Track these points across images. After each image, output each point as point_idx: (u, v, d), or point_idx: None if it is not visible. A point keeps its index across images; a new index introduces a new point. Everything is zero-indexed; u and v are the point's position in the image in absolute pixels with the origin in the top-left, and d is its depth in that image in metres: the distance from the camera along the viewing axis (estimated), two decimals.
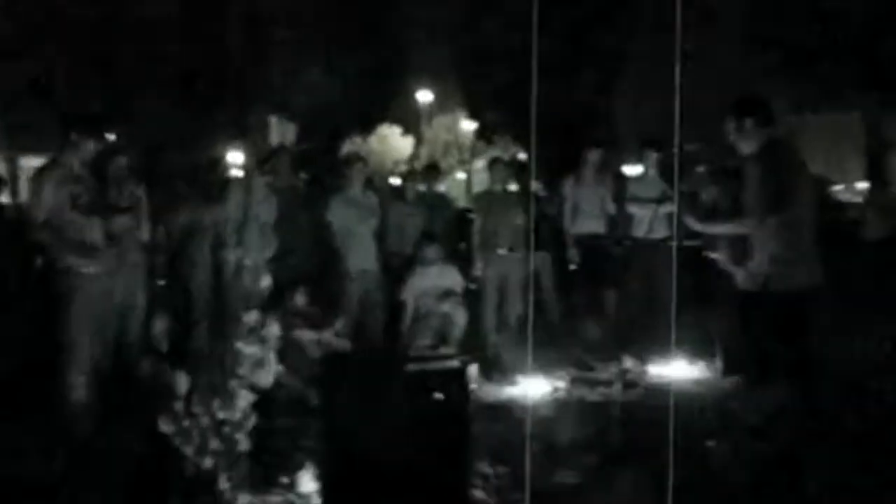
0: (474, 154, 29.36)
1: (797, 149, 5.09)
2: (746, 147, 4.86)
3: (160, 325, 3.17)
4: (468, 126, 28.25)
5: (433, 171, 9.33)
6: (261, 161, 7.41)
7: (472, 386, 3.07)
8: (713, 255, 4.91)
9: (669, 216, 7.38)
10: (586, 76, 23.46)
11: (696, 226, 5.01)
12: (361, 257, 7.45)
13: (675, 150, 5.95)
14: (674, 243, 5.89)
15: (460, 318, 7.63)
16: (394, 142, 30.59)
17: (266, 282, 3.35)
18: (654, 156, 7.84)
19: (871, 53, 21.06)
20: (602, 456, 4.75)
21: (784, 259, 4.59)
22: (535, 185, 9.82)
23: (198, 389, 3.08)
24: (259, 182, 6.86)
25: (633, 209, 7.89)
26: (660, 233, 7.02)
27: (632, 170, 12.44)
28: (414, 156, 31.05)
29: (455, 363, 3.15)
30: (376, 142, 27.99)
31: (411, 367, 3.09)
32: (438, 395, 2.94)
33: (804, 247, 4.75)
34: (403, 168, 28.93)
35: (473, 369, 3.16)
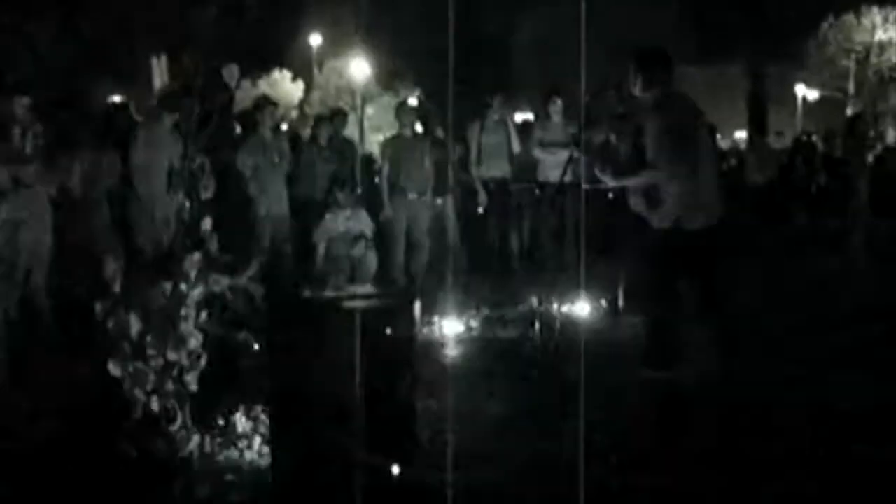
0: (367, 99, 29.07)
1: (693, 99, 5.32)
2: (647, 98, 5.07)
3: (111, 266, 3.12)
4: (361, 71, 27.91)
5: (340, 115, 9.28)
6: (163, 101, 7.20)
7: (419, 321, 3.20)
8: (631, 203, 5.12)
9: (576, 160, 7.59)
10: (488, 20, 23.54)
11: (610, 180, 5.19)
12: (272, 201, 7.42)
13: (583, 97, 6.13)
14: (585, 187, 6.11)
15: (371, 261, 7.73)
16: (284, 87, 29.97)
17: (206, 223, 3.35)
18: (558, 102, 8.04)
19: (757, 7, 21.97)
20: (520, 389, 4.97)
21: (692, 199, 4.87)
22: (439, 130, 9.90)
23: (151, 331, 3.08)
24: (167, 124, 6.76)
25: (538, 154, 8.10)
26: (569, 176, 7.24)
27: (529, 115, 12.68)
28: (305, 101, 30.51)
29: (401, 300, 3.25)
30: (267, 86, 27.32)
31: (358, 304, 3.17)
32: (388, 331, 3.04)
33: (709, 186, 5.05)
34: (294, 113, 28.44)
35: (418, 306, 3.27)
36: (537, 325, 5.44)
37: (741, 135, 28.08)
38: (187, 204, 3.28)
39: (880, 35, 31.37)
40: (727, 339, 4.95)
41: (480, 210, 8.38)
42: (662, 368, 5.06)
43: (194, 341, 3.20)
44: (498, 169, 8.37)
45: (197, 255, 3.28)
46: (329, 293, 3.43)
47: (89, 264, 6.38)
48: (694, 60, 23.33)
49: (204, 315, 3.36)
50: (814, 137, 19.17)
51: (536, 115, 11.19)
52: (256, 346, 5.64)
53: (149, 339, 3.09)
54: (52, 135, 6.01)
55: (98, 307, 3.10)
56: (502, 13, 24.28)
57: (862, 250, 9.56)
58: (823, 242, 10.21)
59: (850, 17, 31.14)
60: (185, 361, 3.18)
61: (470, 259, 8.41)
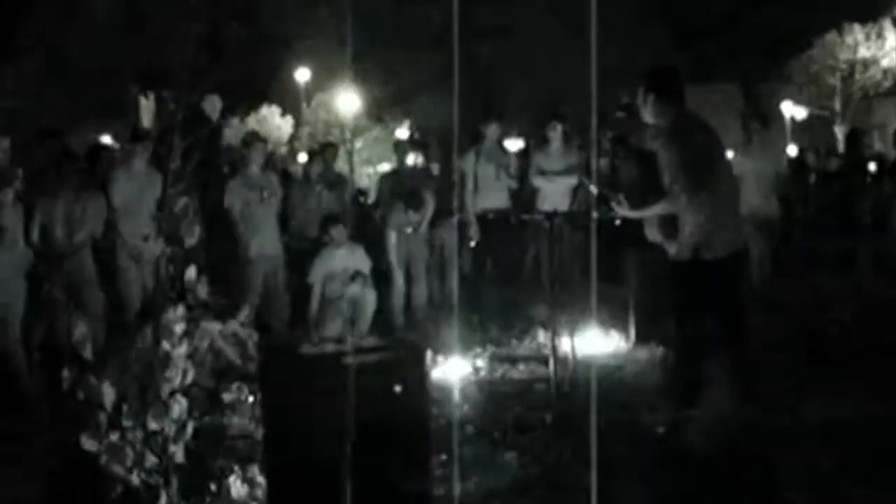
0: (356, 133, 28.97)
1: (707, 120, 5.00)
2: (659, 121, 4.75)
3: (81, 329, 2.77)
4: (349, 104, 27.78)
5: (331, 149, 8.99)
6: (138, 138, 6.91)
7: (431, 374, 2.86)
8: (647, 233, 4.81)
9: (576, 189, 7.35)
10: (477, 49, 23.44)
11: (627, 211, 4.86)
12: (264, 241, 7.11)
13: (594, 123, 5.86)
14: (595, 215, 5.81)
15: (370, 300, 7.38)
16: (273, 123, 29.79)
17: (191, 273, 3.02)
18: (559, 127, 7.76)
19: (752, 28, 21.98)
20: (536, 432, 4.63)
21: (712, 228, 4.56)
22: (435, 163, 9.63)
23: (127, 399, 2.72)
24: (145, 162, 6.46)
25: (538, 182, 7.81)
26: (570, 205, 6.96)
27: (518, 144, 12.40)
28: (294, 136, 30.33)
29: (410, 351, 2.91)
30: (255, 123, 27.12)
31: (362, 359, 2.83)
32: (397, 388, 2.71)
33: (729, 213, 4.75)
34: (284, 150, 28.20)
35: (430, 355, 2.93)
36: (551, 363, 5.09)
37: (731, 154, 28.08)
38: (168, 250, 2.94)
39: (863, 52, 31.55)
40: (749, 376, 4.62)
41: (473, 244, 8.05)
42: (686, 406, 4.72)
43: (178, 407, 2.85)
44: (496, 199, 8.06)
45: (181, 309, 2.94)
46: (329, 348, 3.08)
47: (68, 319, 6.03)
48: (686, 79, 23.30)
49: (191, 373, 3.01)
50: (805, 155, 19.00)
51: (527, 143, 10.93)
52: (251, 399, 5.29)
53: (125, 408, 2.74)
54: (32, 177, 5.70)
55: (65, 375, 2.75)
56: (492, 40, 24.19)
57: (870, 270, 9.25)
58: (828, 263, 9.86)
59: (833, 36, 31.30)
60: (168, 431, 2.83)
61: (472, 294, 8.06)
